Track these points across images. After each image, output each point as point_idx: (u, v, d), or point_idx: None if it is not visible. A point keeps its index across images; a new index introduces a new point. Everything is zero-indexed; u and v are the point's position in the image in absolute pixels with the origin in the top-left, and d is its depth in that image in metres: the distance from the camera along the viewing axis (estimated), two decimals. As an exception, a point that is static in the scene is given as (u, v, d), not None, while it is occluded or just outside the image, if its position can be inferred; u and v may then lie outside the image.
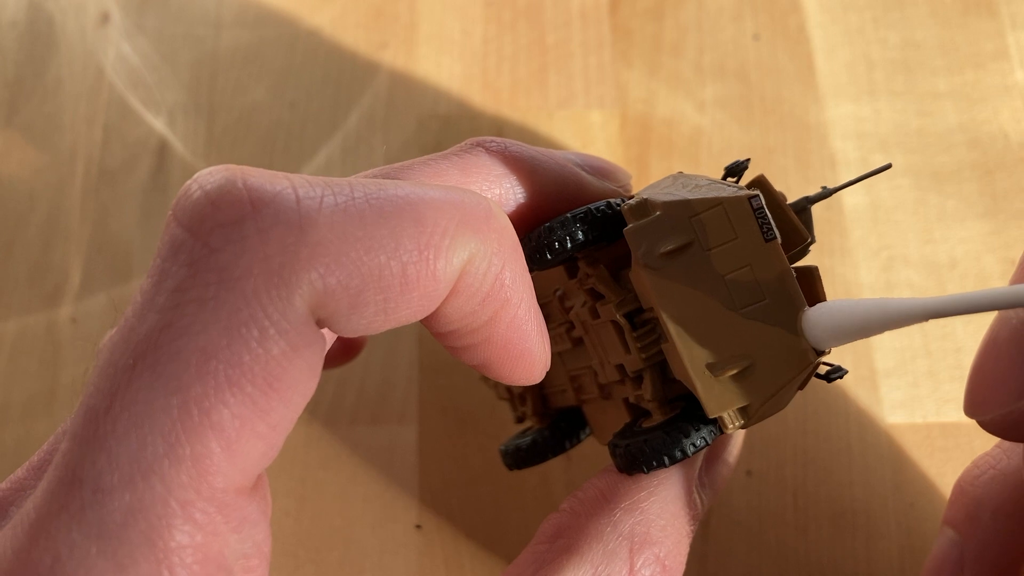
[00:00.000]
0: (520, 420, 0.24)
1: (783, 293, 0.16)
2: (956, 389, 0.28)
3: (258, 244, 0.13)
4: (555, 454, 0.22)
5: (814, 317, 0.16)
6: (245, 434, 0.13)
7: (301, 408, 0.14)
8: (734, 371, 0.16)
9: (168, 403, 0.12)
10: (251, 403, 0.13)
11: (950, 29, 0.34)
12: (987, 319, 0.29)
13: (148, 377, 0.13)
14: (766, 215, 0.16)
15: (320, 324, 0.14)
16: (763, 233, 0.16)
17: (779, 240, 0.16)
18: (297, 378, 0.13)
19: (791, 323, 0.16)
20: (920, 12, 0.34)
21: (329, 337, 0.17)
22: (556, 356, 0.21)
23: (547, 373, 0.22)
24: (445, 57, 0.34)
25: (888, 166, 0.18)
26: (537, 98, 0.33)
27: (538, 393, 0.23)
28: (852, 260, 0.30)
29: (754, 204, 0.16)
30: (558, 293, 0.20)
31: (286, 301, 0.13)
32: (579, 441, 0.22)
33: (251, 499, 0.13)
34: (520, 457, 0.22)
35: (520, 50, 0.34)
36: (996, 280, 0.30)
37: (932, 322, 0.29)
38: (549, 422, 0.23)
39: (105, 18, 0.35)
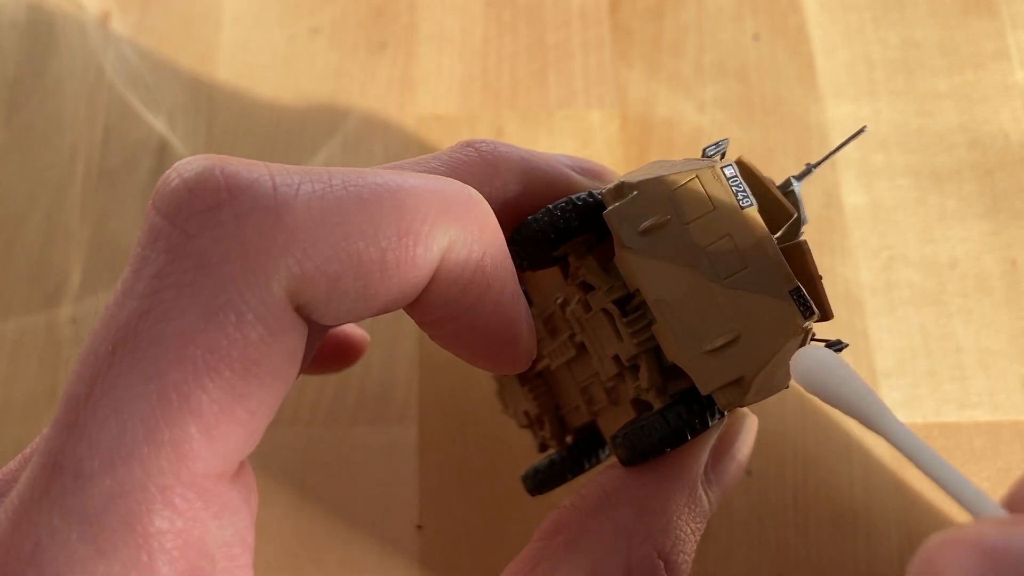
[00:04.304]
0: (543, 448, 0.24)
1: (764, 259, 0.16)
2: (956, 389, 0.28)
3: (235, 230, 0.13)
4: (574, 474, 0.22)
5: (802, 357, 0.15)
6: (224, 419, 0.13)
7: (281, 395, 0.14)
8: (722, 342, 0.16)
9: (147, 388, 0.12)
10: (229, 388, 0.13)
11: (950, 29, 0.34)
12: (987, 320, 0.29)
13: (127, 363, 0.13)
14: (740, 183, 0.16)
15: (300, 311, 0.14)
16: (739, 201, 0.16)
17: (756, 206, 0.16)
18: (276, 364, 0.13)
19: (776, 288, 0.16)
20: (920, 12, 0.34)
21: (320, 332, 0.17)
22: (565, 369, 0.21)
23: (560, 391, 0.22)
24: (445, 57, 0.34)
25: (863, 129, 0.18)
26: (537, 98, 0.33)
27: (555, 414, 0.23)
28: (852, 260, 0.30)
29: (727, 173, 0.16)
30: (559, 300, 0.20)
31: (263, 286, 0.13)
32: (599, 461, 0.22)
33: (232, 486, 0.13)
34: (539, 480, 0.22)
35: (520, 50, 0.34)
36: (996, 280, 0.30)
37: (932, 322, 0.29)
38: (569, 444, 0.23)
39: (105, 18, 0.35)
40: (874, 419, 0.14)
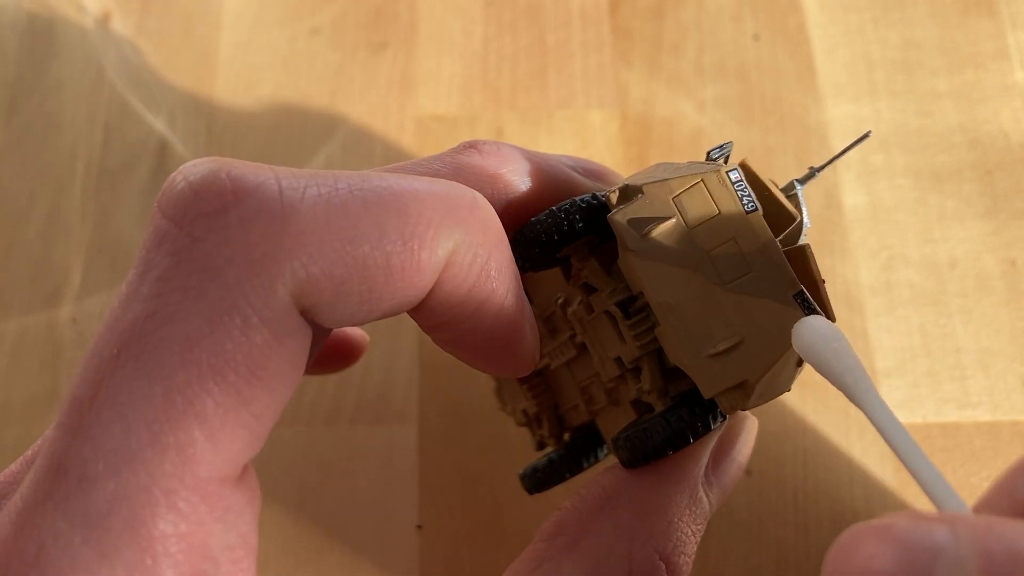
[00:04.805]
0: (541, 447, 0.24)
1: (768, 263, 0.16)
2: (956, 389, 0.28)
3: (240, 234, 0.13)
4: (572, 473, 0.22)
5: (803, 327, 0.15)
6: (229, 423, 0.13)
7: (286, 399, 0.14)
8: (726, 346, 0.16)
9: (152, 391, 0.12)
10: (234, 392, 0.13)
11: (950, 29, 0.34)
12: (987, 320, 0.29)
13: (132, 366, 0.13)
14: (745, 187, 0.16)
15: (305, 315, 0.14)
16: (744, 205, 0.16)
17: (760, 211, 0.16)
18: (281, 367, 0.13)
19: (779, 292, 0.16)
20: (920, 12, 0.34)
21: (323, 334, 0.17)
22: (565, 368, 0.21)
23: (559, 389, 0.22)
24: (445, 57, 0.34)
25: (868, 134, 0.18)
26: (537, 98, 0.33)
27: (553, 413, 0.23)
28: (852, 260, 0.30)
29: (732, 177, 0.16)
30: (560, 301, 0.20)
31: (268, 290, 0.13)
32: (597, 460, 0.22)
33: (236, 489, 0.13)
34: (537, 479, 0.22)
35: (520, 50, 0.34)
36: (996, 280, 0.30)
37: (932, 322, 0.29)
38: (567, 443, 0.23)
39: (105, 18, 0.35)
40: (858, 396, 0.14)
